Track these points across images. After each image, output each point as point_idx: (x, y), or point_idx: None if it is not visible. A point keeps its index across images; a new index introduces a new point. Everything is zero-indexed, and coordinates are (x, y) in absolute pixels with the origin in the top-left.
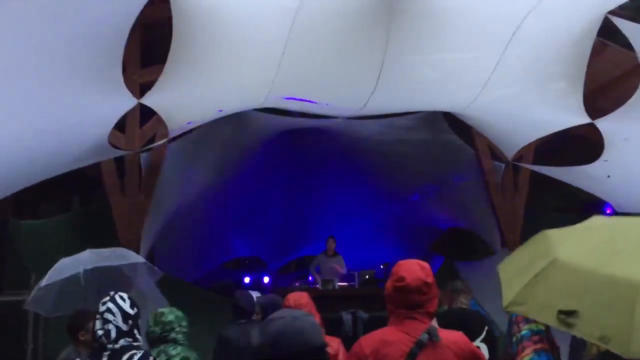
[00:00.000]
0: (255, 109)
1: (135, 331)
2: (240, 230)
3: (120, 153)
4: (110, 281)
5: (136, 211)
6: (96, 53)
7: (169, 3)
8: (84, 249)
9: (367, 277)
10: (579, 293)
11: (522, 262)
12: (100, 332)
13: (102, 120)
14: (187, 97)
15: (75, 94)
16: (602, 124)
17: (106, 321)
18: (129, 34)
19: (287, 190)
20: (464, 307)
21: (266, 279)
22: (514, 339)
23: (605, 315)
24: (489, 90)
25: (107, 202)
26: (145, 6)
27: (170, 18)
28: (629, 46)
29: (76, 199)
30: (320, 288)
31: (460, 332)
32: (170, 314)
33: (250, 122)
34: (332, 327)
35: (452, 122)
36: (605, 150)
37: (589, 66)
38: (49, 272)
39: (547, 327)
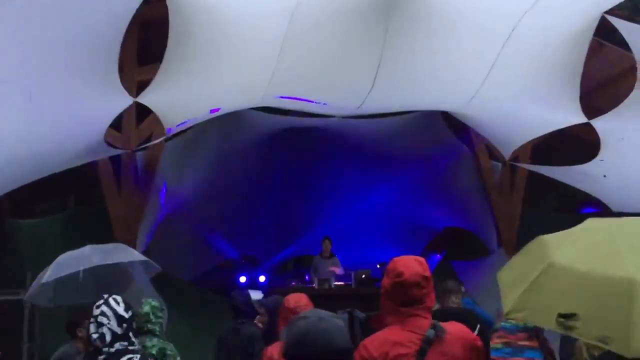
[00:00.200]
0: (252, 108)
1: (131, 334)
2: (237, 229)
3: (116, 152)
4: (109, 275)
5: (132, 210)
6: (93, 51)
7: (165, 1)
8: (79, 247)
9: (363, 276)
10: (577, 295)
11: (520, 269)
12: (94, 336)
13: (98, 119)
14: (184, 95)
15: (72, 92)
16: (598, 123)
17: (100, 325)
18: (126, 33)
19: (284, 189)
20: (455, 306)
21: (262, 278)
22: (493, 328)
23: (603, 315)
24: (486, 90)
25: (104, 200)
26: (142, 4)
27: (167, 16)
28: (625, 46)
29: (72, 198)
30: (317, 287)
31: (459, 323)
32: (146, 305)
33: (247, 121)
34: None
35: (450, 122)
36: (601, 150)
37: (585, 66)
38: (50, 268)
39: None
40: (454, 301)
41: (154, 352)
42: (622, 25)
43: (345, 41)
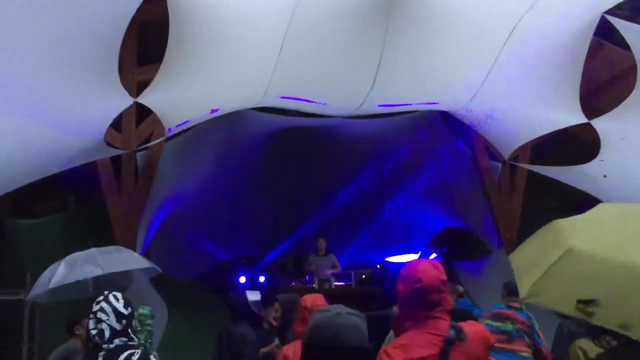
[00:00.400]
0: (252, 108)
1: (130, 330)
2: (236, 229)
3: (116, 152)
4: (109, 274)
5: (132, 210)
6: (93, 51)
7: (165, 1)
8: (80, 248)
9: (363, 276)
10: (597, 281)
11: (535, 252)
12: (93, 332)
13: (98, 119)
14: (184, 95)
15: (72, 93)
16: (598, 123)
17: (99, 321)
18: (126, 33)
19: (284, 189)
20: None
21: (262, 279)
22: None
23: (624, 302)
24: (486, 90)
25: (104, 201)
26: (142, 4)
27: (167, 16)
28: (625, 46)
29: (72, 198)
30: (317, 287)
31: (474, 321)
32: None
33: (247, 121)
34: None
35: (449, 122)
36: (601, 150)
37: (585, 66)
38: (58, 273)
39: (532, 331)
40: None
41: None
42: (622, 25)
43: (345, 41)
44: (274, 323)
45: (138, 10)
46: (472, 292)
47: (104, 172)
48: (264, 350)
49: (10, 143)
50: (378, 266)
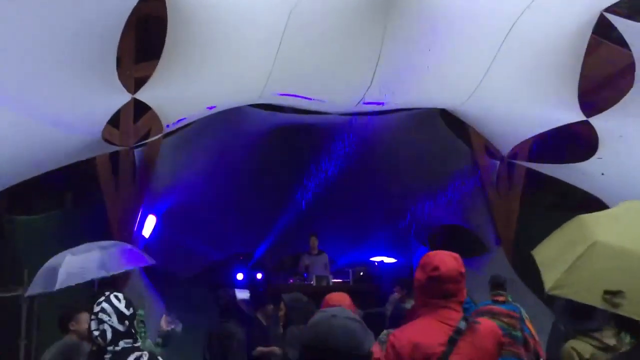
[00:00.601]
0: (250, 105)
1: (133, 331)
2: (234, 226)
3: (114, 148)
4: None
5: (130, 207)
6: (91, 48)
7: None
8: (77, 244)
9: (361, 273)
10: (624, 274)
11: (560, 247)
12: (95, 333)
13: (96, 116)
14: (182, 92)
15: (70, 89)
16: (596, 121)
17: (101, 321)
18: (124, 30)
19: (282, 186)
20: None
21: (259, 276)
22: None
23: None
24: (484, 88)
25: (101, 197)
26: (140, 1)
27: (165, 13)
28: (624, 43)
29: (70, 195)
30: (315, 285)
31: (493, 322)
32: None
33: (244, 118)
34: None
35: (448, 119)
36: (599, 148)
37: (584, 63)
38: (61, 272)
39: (523, 328)
40: None
41: None
42: (621, 23)
43: (343, 38)
44: (264, 323)
45: (136, 6)
46: (470, 290)
47: (101, 168)
48: (262, 349)
49: (7, 139)
50: (376, 263)
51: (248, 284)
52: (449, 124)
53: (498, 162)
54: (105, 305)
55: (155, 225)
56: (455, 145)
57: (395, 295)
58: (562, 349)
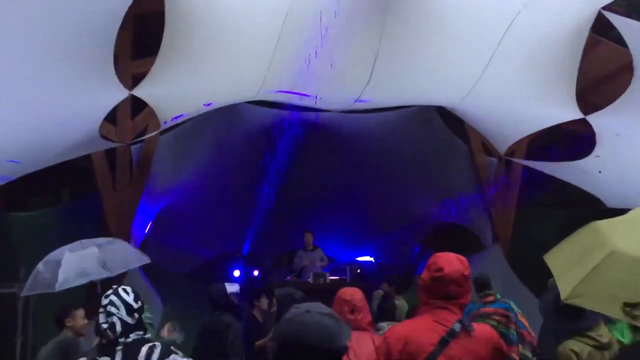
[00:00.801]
0: (247, 102)
1: (142, 324)
2: (231, 223)
3: (111, 145)
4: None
5: (127, 203)
6: (88, 44)
7: None
8: (73, 241)
9: (358, 270)
10: None
11: (575, 254)
12: (104, 326)
13: (93, 112)
14: (179, 89)
15: (67, 85)
16: (594, 119)
17: (109, 314)
18: (121, 26)
19: (278, 183)
20: None
21: (256, 272)
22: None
23: None
24: (482, 86)
25: (98, 194)
26: None
27: (163, 9)
28: (622, 42)
29: (66, 191)
30: (312, 282)
31: (490, 328)
32: None
33: (241, 114)
34: None
35: (446, 117)
36: (597, 146)
37: (582, 61)
38: (62, 272)
39: (517, 323)
40: None
41: None
42: (619, 22)
43: (342, 35)
44: (258, 317)
45: (134, 2)
46: None
47: (98, 165)
48: (258, 343)
49: (4, 136)
50: (373, 261)
51: (244, 281)
52: (447, 121)
53: (496, 160)
54: (113, 298)
55: (150, 223)
56: (452, 143)
57: (380, 292)
58: (559, 351)
